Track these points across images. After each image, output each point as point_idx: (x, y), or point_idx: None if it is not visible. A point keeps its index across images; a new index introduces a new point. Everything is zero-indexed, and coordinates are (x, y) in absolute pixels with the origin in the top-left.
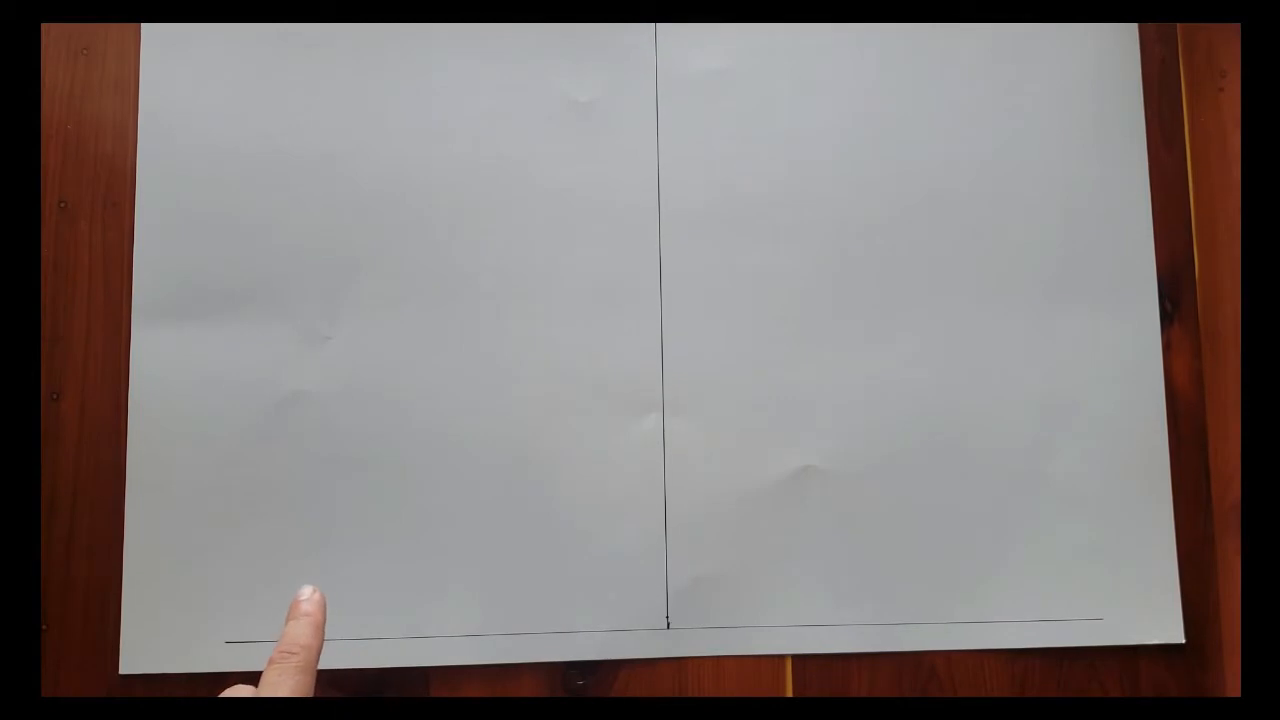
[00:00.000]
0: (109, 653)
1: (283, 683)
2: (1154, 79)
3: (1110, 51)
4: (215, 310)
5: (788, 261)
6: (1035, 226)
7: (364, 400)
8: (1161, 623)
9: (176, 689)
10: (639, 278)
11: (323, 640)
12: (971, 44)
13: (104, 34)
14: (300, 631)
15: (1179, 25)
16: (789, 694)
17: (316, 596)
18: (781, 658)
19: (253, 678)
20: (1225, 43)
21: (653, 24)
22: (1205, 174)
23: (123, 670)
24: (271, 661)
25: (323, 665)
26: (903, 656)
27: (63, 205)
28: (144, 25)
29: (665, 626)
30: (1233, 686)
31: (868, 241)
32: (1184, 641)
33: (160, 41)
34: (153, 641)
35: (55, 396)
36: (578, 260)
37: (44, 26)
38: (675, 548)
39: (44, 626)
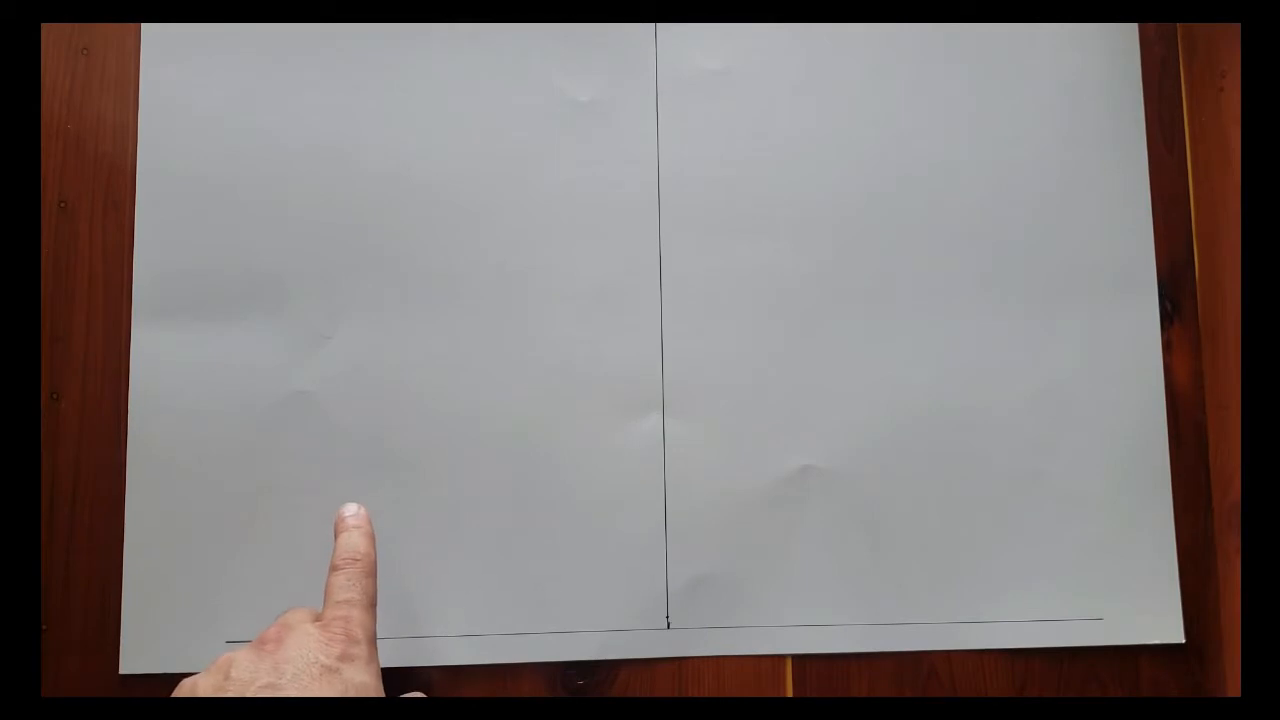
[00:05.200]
0: (109, 652)
1: (353, 586)
2: (1154, 79)
3: (1110, 51)
4: (215, 310)
5: (788, 261)
6: (1035, 226)
7: (363, 400)
8: (1161, 623)
9: None
10: (639, 277)
11: (375, 550)
12: (971, 44)
13: (104, 34)
14: (357, 541)
15: (1179, 25)
16: (789, 694)
17: (362, 511)
18: (781, 658)
19: None
20: (1225, 43)
21: (653, 23)
22: (1205, 174)
23: (123, 670)
24: (336, 568)
25: None
26: (902, 656)
27: (63, 205)
28: (144, 25)
29: (665, 626)
30: (1233, 686)
31: (868, 240)
32: (1184, 641)
33: (161, 41)
34: (153, 641)
35: (55, 396)
36: (578, 259)
37: (44, 26)
38: (675, 547)
39: (44, 627)
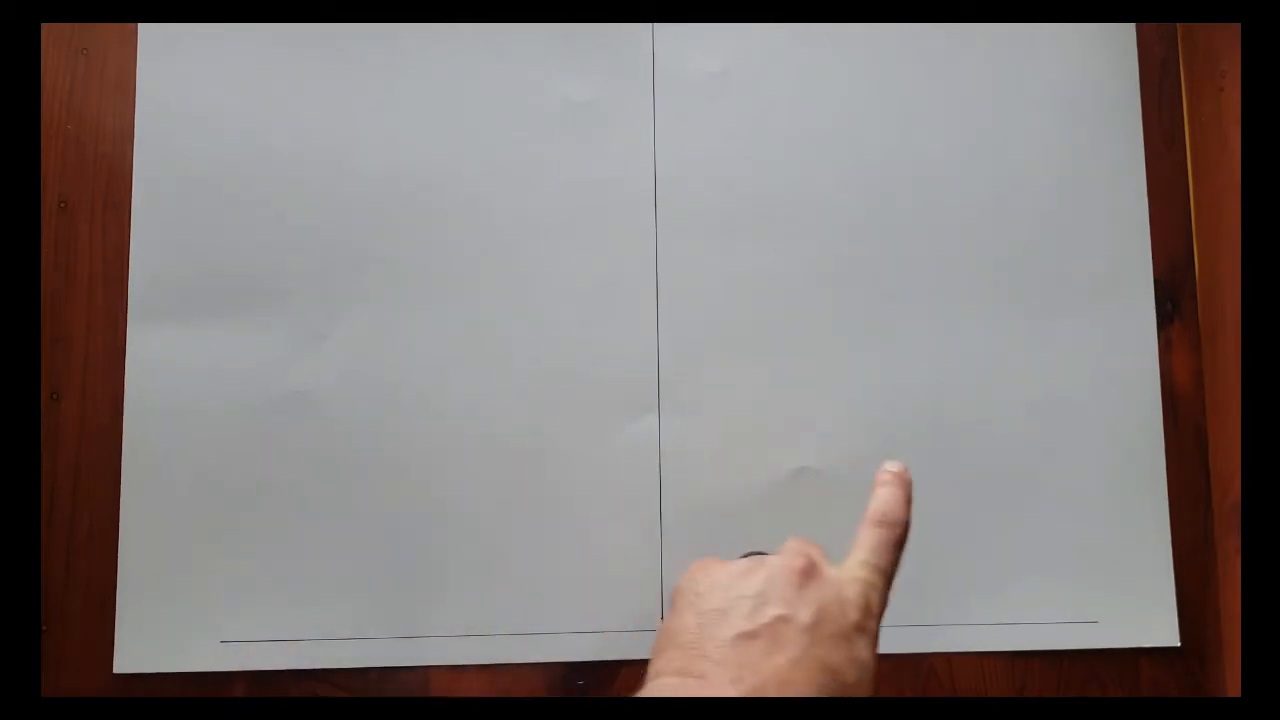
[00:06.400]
0: (109, 652)
1: (885, 552)
2: (1154, 79)
3: (1110, 51)
4: (212, 310)
5: (784, 263)
6: (1035, 227)
7: (360, 400)
8: (1156, 626)
9: (171, 688)
10: (636, 278)
11: (910, 517)
12: (971, 44)
13: (104, 34)
14: (897, 503)
15: (1179, 25)
16: None
17: (905, 472)
18: None
19: (247, 677)
20: (1225, 43)
21: (650, 24)
22: (1205, 174)
23: (117, 670)
24: (875, 524)
25: (321, 665)
26: (902, 658)
27: (63, 205)
28: (140, 25)
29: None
30: (1233, 687)
31: (864, 242)
32: (1179, 645)
33: (158, 41)
34: (148, 641)
35: (55, 396)
36: (574, 260)
37: (44, 26)
38: (670, 549)
39: (43, 627)
